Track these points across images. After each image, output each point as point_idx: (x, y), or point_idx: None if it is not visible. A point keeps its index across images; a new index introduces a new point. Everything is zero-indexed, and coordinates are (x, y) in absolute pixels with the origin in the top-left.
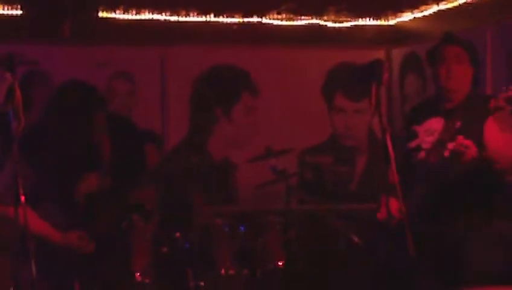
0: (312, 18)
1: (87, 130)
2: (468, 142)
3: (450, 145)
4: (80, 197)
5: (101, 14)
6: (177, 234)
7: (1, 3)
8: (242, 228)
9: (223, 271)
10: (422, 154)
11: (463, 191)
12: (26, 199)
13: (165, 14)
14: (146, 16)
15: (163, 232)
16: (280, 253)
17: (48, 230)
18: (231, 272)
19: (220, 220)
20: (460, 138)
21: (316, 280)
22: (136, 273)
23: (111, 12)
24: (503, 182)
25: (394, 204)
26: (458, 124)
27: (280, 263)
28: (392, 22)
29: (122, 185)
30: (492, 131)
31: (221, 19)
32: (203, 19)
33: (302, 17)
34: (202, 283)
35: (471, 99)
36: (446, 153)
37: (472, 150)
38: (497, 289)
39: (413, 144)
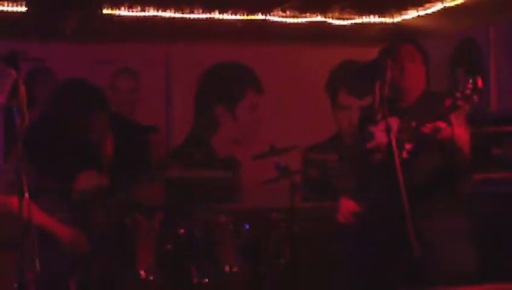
0: (316, 15)
1: (85, 129)
2: (442, 124)
3: (408, 146)
4: (76, 195)
5: (105, 11)
6: (181, 231)
7: (5, 0)
8: (246, 225)
9: (227, 268)
10: (379, 155)
11: (425, 191)
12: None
13: (170, 11)
14: (151, 13)
15: (167, 229)
16: (284, 250)
17: (47, 221)
18: (235, 269)
19: (224, 218)
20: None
21: (320, 277)
22: (140, 271)
23: (115, 10)
24: (461, 177)
25: (350, 205)
26: (414, 123)
27: (284, 260)
28: (396, 19)
29: (121, 184)
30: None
31: (225, 16)
32: (207, 16)
33: (307, 15)
34: (206, 280)
35: (425, 97)
36: (404, 154)
37: (448, 131)
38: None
39: (370, 145)
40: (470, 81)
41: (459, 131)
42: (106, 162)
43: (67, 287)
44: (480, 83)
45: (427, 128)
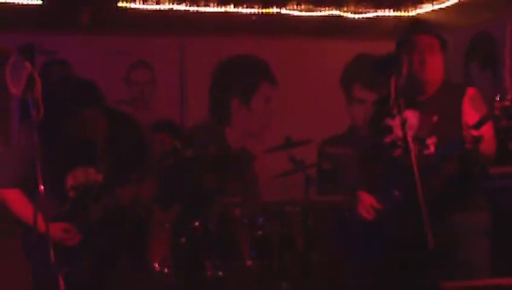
0: (331, 9)
1: (76, 125)
2: (474, 132)
3: (430, 141)
4: (69, 190)
5: (120, 4)
6: (196, 224)
7: None
8: (260, 218)
9: (241, 261)
10: (398, 151)
11: (446, 188)
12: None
13: (185, 5)
14: (165, 6)
15: (181, 222)
16: (299, 243)
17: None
18: (249, 262)
19: (239, 211)
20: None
21: (335, 270)
22: (154, 264)
23: (130, 3)
24: (483, 174)
25: (370, 200)
26: (435, 118)
27: (298, 254)
28: (411, 13)
29: (115, 180)
30: (472, 120)
31: (240, 10)
32: (222, 9)
33: (322, 8)
34: (221, 273)
35: (444, 89)
36: (426, 151)
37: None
38: (475, 282)
39: (387, 139)
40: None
41: (488, 140)
42: (101, 157)
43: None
44: None
45: (468, 139)
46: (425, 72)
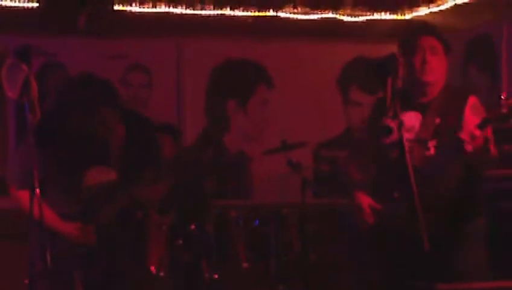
0: (328, 12)
1: (92, 124)
2: (478, 132)
3: (431, 144)
4: (84, 191)
5: (117, 7)
6: (192, 227)
7: None
8: (256, 221)
9: (238, 264)
10: (397, 151)
11: (449, 191)
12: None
13: (181, 8)
14: (162, 9)
15: (178, 225)
16: (295, 246)
17: (51, 217)
18: (245, 264)
19: (235, 213)
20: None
21: (331, 273)
22: (151, 266)
23: (127, 6)
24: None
25: (370, 202)
26: (437, 120)
27: (294, 257)
28: (408, 16)
29: (129, 180)
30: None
31: (236, 13)
32: (219, 12)
33: (318, 11)
34: (217, 276)
35: (446, 92)
36: (428, 152)
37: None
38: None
39: (387, 140)
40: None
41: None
42: (115, 156)
43: (72, 280)
44: None
45: (464, 135)
46: (426, 73)
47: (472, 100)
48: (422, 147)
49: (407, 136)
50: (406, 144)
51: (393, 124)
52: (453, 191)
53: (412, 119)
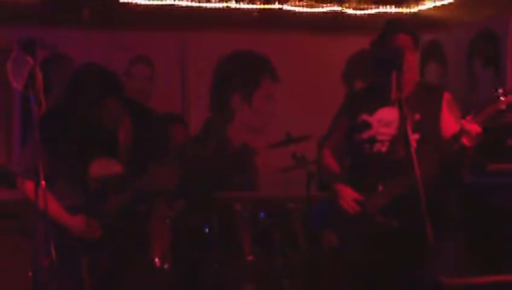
0: (333, 5)
1: (99, 116)
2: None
3: (412, 138)
4: (90, 181)
5: (121, 0)
6: (197, 220)
7: None
8: (261, 214)
9: (242, 257)
10: (377, 146)
11: (433, 184)
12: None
13: (186, 0)
14: (167, 1)
15: (182, 217)
16: (300, 239)
17: (58, 210)
18: (250, 258)
19: (240, 206)
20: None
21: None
22: (154, 259)
23: None
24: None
25: (350, 193)
26: (417, 116)
27: (299, 250)
28: (413, 9)
29: (136, 172)
30: (450, 123)
31: (242, 5)
32: (224, 4)
33: (323, 4)
34: (221, 269)
35: (420, 89)
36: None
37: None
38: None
39: (365, 135)
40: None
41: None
42: (122, 148)
43: (78, 271)
44: None
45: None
46: (405, 71)
47: (447, 96)
48: (405, 140)
49: (384, 130)
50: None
51: (371, 119)
52: (433, 180)
53: (389, 114)
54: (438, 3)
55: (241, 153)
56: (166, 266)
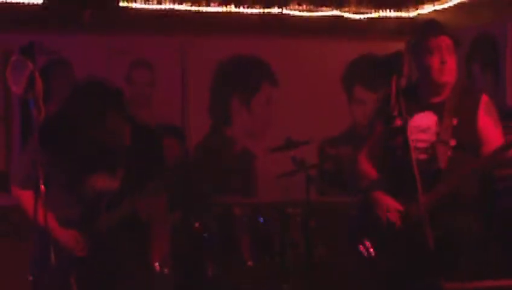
0: (333, 9)
1: (100, 129)
2: None
3: (452, 143)
4: (86, 194)
5: (121, 4)
6: (196, 225)
7: None
8: (261, 218)
9: (242, 262)
10: (415, 153)
11: (475, 192)
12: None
13: (186, 4)
14: (167, 5)
15: (182, 222)
16: (300, 244)
17: (51, 222)
18: (250, 262)
19: (239, 211)
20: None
21: (336, 271)
22: (155, 263)
23: (132, 2)
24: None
25: (392, 203)
26: (455, 121)
27: (299, 255)
28: (413, 13)
29: (132, 190)
30: (488, 126)
31: (241, 10)
32: (223, 9)
33: (323, 8)
34: (221, 274)
35: (459, 92)
36: (449, 153)
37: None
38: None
39: (399, 140)
40: None
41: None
42: (120, 164)
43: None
44: None
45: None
46: (445, 74)
47: (485, 99)
48: (446, 148)
49: (423, 137)
50: (410, 141)
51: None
52: (474, 192)
53: (426, 119)
54: (437, 7)
55: (241, 158)
56: (166, 271)
